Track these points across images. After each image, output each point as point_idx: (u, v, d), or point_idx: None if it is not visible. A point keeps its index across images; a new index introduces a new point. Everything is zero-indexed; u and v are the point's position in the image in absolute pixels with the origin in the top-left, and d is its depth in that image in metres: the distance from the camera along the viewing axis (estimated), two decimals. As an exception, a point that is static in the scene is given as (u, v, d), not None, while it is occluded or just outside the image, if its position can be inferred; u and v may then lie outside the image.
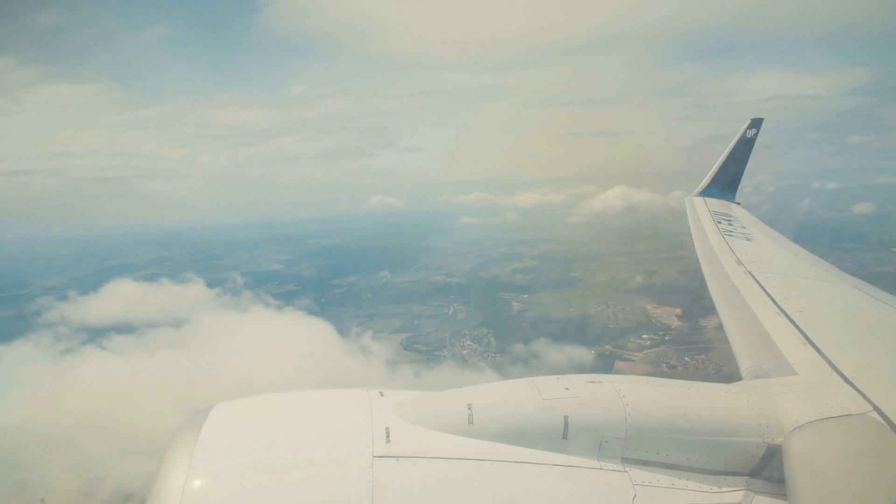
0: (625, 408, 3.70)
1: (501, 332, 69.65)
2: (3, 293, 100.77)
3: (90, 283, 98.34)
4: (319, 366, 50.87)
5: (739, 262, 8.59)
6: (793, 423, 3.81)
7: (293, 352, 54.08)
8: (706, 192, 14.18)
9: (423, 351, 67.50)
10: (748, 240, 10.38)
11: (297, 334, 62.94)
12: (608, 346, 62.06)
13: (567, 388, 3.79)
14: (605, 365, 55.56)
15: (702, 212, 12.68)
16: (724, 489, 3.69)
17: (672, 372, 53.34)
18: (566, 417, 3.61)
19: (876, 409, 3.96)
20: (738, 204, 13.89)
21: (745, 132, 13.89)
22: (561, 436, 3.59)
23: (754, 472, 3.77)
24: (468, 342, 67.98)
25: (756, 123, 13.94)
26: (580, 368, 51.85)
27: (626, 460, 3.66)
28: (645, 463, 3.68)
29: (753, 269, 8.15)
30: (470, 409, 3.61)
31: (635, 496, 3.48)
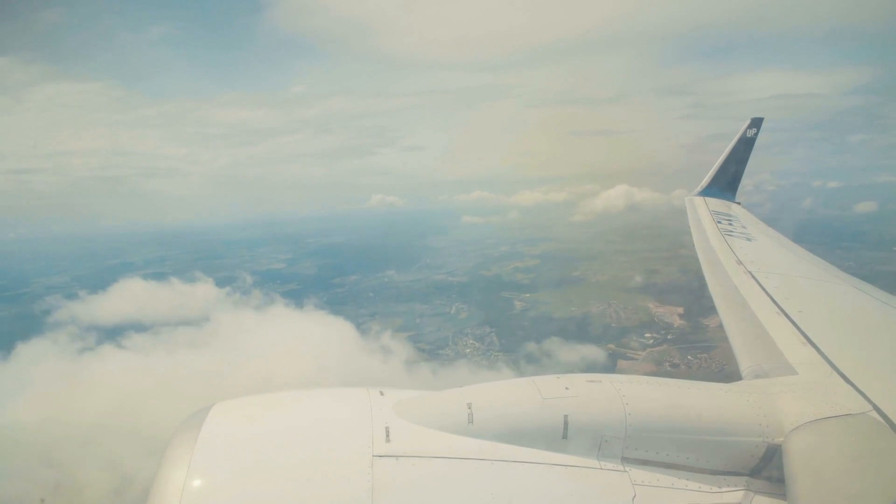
0: (625, 407, 3.69)
1: (504, 331, 69.68)
2: (5, 292, 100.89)
3: (91, 282, 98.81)
4: (338, 365, 50.82)
5: (739, 262, 8.58)
6: (793, 422, 3.80)
7: (314, 351, 53.99)
8: (706, 192, 14.14)
9: (425, 350, 67.41)
10: (748, 240, 10.36)
11: (317, 333, 62.95)
12: (611, 345, 62.01)
13: (567, 388, 3.78)
14: (607, 364, 55.53)
15: (702, 212, 12.65)
16: (724, 489, 3.69)
17: (675, 371, 53.36)
18: (566, 417, 3.60)
19: (876, 408, 3.95)
20: (739, 204, 13.85)
21: (745, 132, 13.85)
22: (561, 435, 3.59)
23: (754, 472, 3.77)
24: (471, 341, 67.99)
25: (756, 123, 13.90)
26: (582, 367, 51.89)
27: (625, 460, 3.66)
28: (645, 463, 3.68)
29: (753, 268, 8.14)
30: (470, 408, 3.61)
31: (635, 496, 3.48)
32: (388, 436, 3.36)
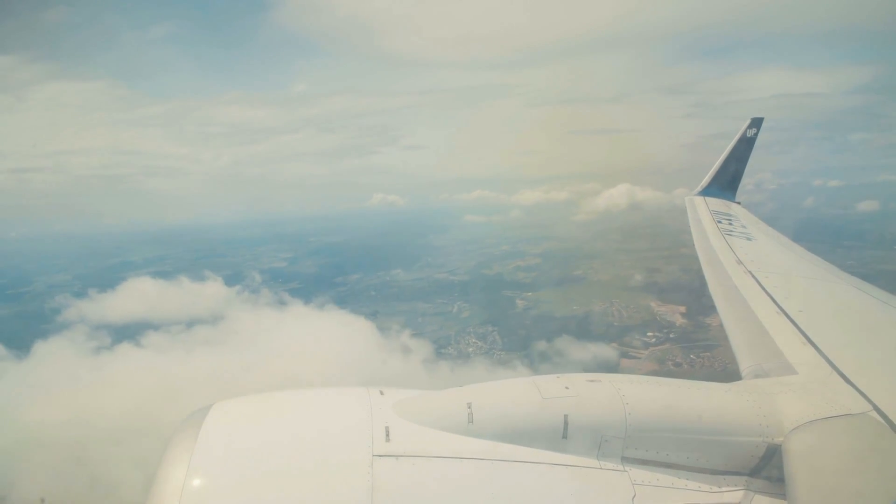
0: (624, 407, 3.69)
1: (506, 330, 69.68)
2: (6, 291, 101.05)
3: (93, 281, 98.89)
4: (359, 363, 50.74)
5: (739, 262, 8.58)
6: (793, 422, 3.80)
7: (334, 349, 53.78)
8: (706, 192, 14.15)
9: (432, 349, 67.26)
10: (748, 239, 10.36)
11: (336, 331, 62.90)
12: (613, 344, 62.04)
13: (567, 388, 3.79)
14: (610, 363, 55.55)
15: (702, 211, 12.66)
16: (724, 489, 3.69)
17: (678, 370, 53.34)
18: (566, 416, 3.61)
19: (876, 408, 3.95)
20: (739, 203, 13.86)
21: (745, 131, 13.86)
22: (561, 435, 3.59)
23: (754, 472, 3.77)
24: (473, 340, 68.05)
25: (756, 123, 13.90)
26: (584, 366, 51.89)
27: (625, 459, 3.66)
28: (644, 462, 3.68)
29: (753, 268, 8.13)
30: (470, 408, 3.61)
31: (635, 495, 3.48)
32: (387, 435, 3.35)
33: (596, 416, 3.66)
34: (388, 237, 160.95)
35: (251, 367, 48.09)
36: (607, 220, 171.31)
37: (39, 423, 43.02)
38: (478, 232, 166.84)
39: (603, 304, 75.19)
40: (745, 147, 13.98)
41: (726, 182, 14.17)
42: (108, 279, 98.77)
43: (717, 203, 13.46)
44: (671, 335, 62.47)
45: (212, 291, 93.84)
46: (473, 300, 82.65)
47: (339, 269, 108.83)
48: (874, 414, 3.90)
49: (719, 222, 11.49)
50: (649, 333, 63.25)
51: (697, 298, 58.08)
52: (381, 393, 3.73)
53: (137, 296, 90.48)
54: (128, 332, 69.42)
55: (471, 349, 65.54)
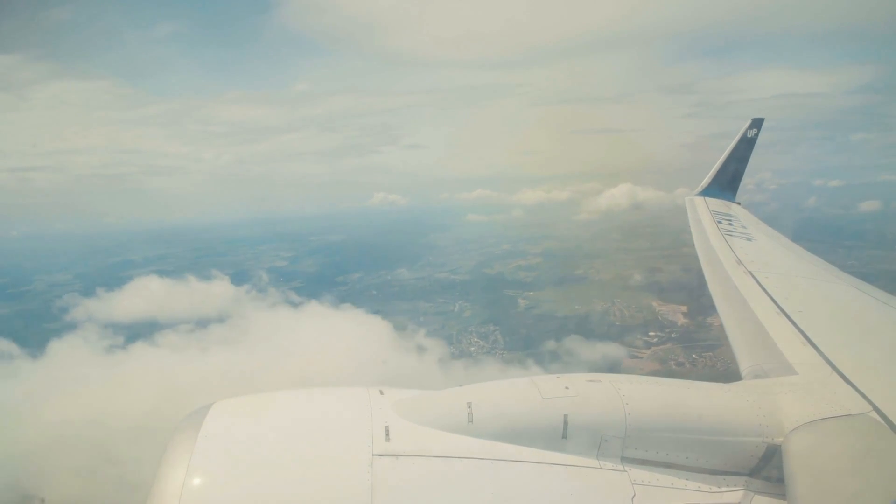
0: (624, 407, 3.70)
1: (508, 329, 69.68)
2: (7, 289, 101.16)
3: (94, 280, 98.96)
4: (374, 362, 50.42)
5: (739, 262, 8.57)
6: (792, 422, 3.80)
7: (350, 348, 53.73)
8: (707, 192, 14.14)
9: (438, 348, 67.18)
10: (748, 240, 10.36)
11: (351, 331, 63.08)
12: (615, 343, 61.92)
13: (567, 387, 3.79)
14: (612, 362, 55.48)
15: (702, 211, 12.66)
16: (724, 489, 3.69)
17: (680, 369, 53.30)
18: (566, 416, 3.61)
19: (876, 409, 3.95)
20: (739, 204, 13.86)
21: (745, 132, 13.86)
22: (560, 435, 3.60)
23: (754, 472, 3.77)
24: (475, 339, 68.04)
25: (757, 123, 13.90)
26: (587, 365, 51.89)
27: (625, 459, 3.66)
28: (644, 462, 3.68)
29: (753, 268, 8.13)
30: (470, 407, 3.61)
31: (634, 495, 3.48)
32: (387, 435, 3.36)
33: (596, 416, 3.67)
34: (390, 236, 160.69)
35: (267, 365, 48.24)
36: (608, 220, 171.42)
37: (62, 423, 43.21)
38: (479, 231, 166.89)
39: (604, 303, 75.12)
40: (745, 148, 13.98)
41: (726, 182, 14.17)
42: (109, 278, 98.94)
43: (717, 203, 13.45)
44: (673, 335, 62.47)
45: (219, 290, 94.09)
46: (475, 299, 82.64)
47: (340, 268, 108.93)
48: (874, 414, 3.91)
49: (719, 223, 11.49)
50: (651, 333, 63.19)
51: (699, 298, 58.03)
52: (381, 392, 3.73)
53: (145, 294, 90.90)
54: (138, 331, 69.87)
55: (472, 348, 65.55)
